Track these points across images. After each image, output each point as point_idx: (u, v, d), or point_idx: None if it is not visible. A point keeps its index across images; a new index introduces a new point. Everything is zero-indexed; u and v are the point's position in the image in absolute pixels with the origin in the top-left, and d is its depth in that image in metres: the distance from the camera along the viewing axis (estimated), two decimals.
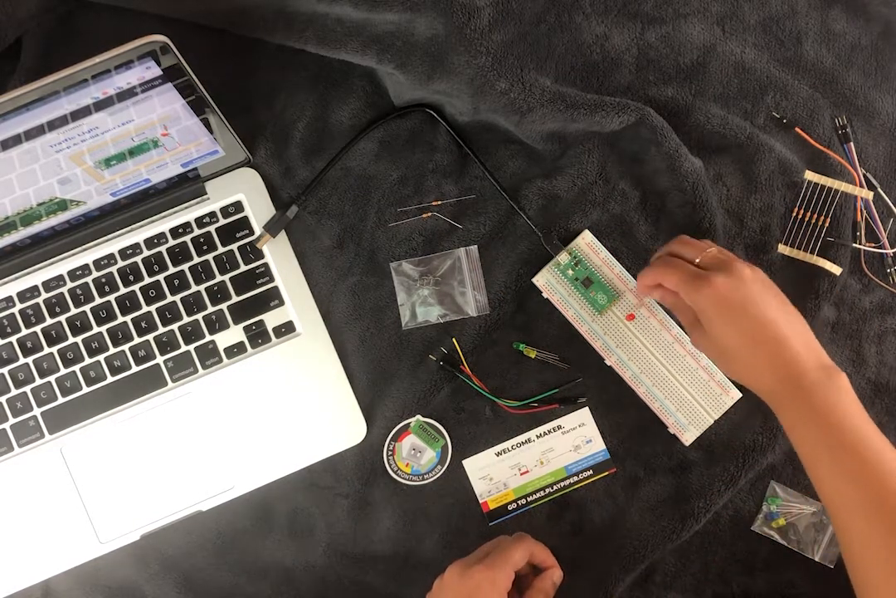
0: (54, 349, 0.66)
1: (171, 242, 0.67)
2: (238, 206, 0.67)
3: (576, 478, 0.65)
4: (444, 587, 0.56)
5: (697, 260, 0.56)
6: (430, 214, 0.68)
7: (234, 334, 0.66)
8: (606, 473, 0.65)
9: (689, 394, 0.64)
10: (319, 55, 0.66)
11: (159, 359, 0.66)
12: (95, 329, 0.66)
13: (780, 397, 0.53)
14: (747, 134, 0.66)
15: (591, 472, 0.65)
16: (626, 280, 0.66)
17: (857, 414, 0.50)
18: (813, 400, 0.51)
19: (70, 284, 0.66)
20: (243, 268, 0.66)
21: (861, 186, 0.66)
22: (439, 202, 0.68)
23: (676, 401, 0.64)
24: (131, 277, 0.66)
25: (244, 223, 0.67)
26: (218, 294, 0.66)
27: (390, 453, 0.65)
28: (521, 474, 0.65)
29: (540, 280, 0.66)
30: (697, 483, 0.64)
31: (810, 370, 0.51)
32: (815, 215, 0.66)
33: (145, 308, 0.66)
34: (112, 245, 0.67)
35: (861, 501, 0.49)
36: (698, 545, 0.64)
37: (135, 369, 0.66)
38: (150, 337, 0.66)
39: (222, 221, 0.67)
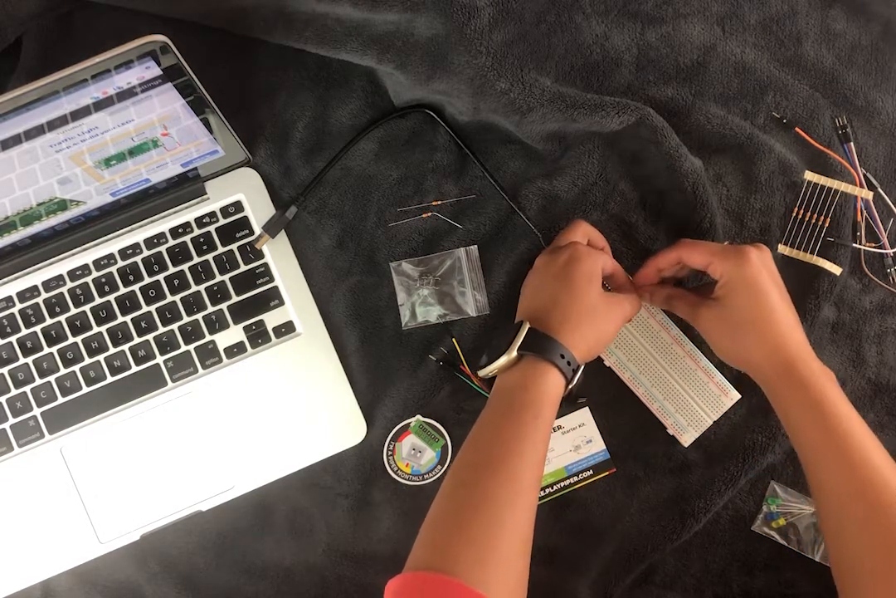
0: (54, 349, 0.66)
1: (171, 242, 0.67)
2: (238, 206, 0.67)
3: (576, 478, 0.65)
4: (535, 270, 0.59)
5: (723, 243, 0.58)
6: (430, 213, 0.68)
7: (234, 333, 0.66)
8: (606, 473, 0.65)
9: (688, 395, 0.64)
10: (319, 55, 0.66)
11: (159, 359, 0.66)
12: (95, 329, 0.66)
13: (777, 379, 0.54)
14: (747, 134, 0.66)
15: (591, 472, 0.65)
16: None
17: (844, 403, 0.53)
18: (809, 386, 0.53)
19: (70, 284, 0.66)
20: (243, 268, 0.66)
21: (861, 186, 0.66)
22: (439, 202, 0.68)
23: (675, 402, 0.64)
24: (131, 277, 0.66)
25: (244, 223, 0.67)
26: (218, 294, 0.66)
27: (390, 453, 0.65)
28: None
29: None
30: (697, 483, 0.64)
31: (811, 360, 0.54)
32: (815, 215, 0.66)
33: (145, 308, 0.66)
34: (112, 245, 0.67)
35: (847, 488, 0.51)
36: (698, 545, 0.64)
37: (135, 369, 0.66)
38: (149, 337, 0.66)
39: (222, 221, 0.67)
